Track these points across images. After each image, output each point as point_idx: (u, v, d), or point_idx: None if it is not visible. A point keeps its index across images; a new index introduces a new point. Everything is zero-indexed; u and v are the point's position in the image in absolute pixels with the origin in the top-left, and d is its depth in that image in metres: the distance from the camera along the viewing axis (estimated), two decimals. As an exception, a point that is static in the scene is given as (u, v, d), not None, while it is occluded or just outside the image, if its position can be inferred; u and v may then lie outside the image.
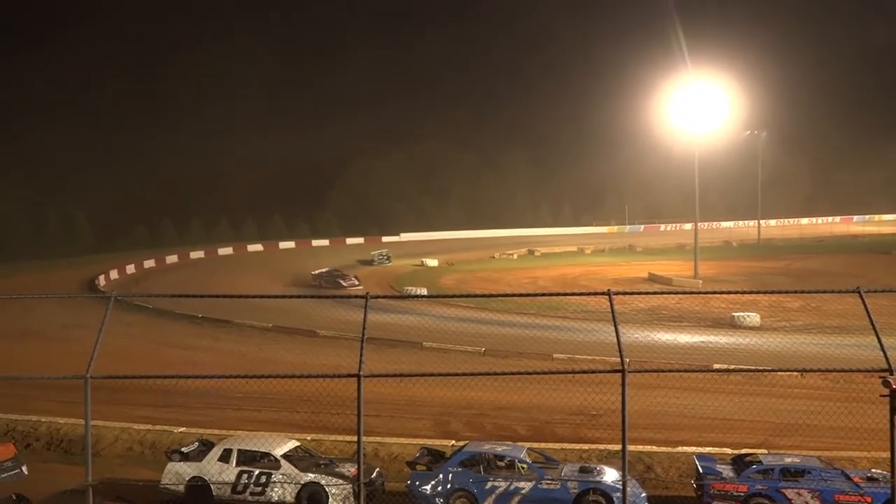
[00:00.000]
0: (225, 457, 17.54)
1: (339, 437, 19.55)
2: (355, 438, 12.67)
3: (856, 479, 16.67)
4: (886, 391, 10.84)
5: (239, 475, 17.23)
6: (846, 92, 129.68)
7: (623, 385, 11.92)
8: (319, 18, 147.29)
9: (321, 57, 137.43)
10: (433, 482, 16.83)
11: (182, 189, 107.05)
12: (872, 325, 11.25)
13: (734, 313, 45.64)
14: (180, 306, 45.84)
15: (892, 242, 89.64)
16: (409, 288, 57.70)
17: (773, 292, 48.40)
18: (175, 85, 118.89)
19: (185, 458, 17.73)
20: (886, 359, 10.89)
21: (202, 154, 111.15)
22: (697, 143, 65.68)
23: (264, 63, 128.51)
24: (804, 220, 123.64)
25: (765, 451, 18.28)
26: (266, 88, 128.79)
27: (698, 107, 65.66)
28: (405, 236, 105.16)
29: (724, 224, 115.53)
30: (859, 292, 11.84)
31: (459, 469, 16.99)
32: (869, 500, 16.15)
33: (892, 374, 10.75)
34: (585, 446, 19.39)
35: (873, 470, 16.79)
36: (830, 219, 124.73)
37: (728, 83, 70.46)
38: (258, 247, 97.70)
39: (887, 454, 12.24)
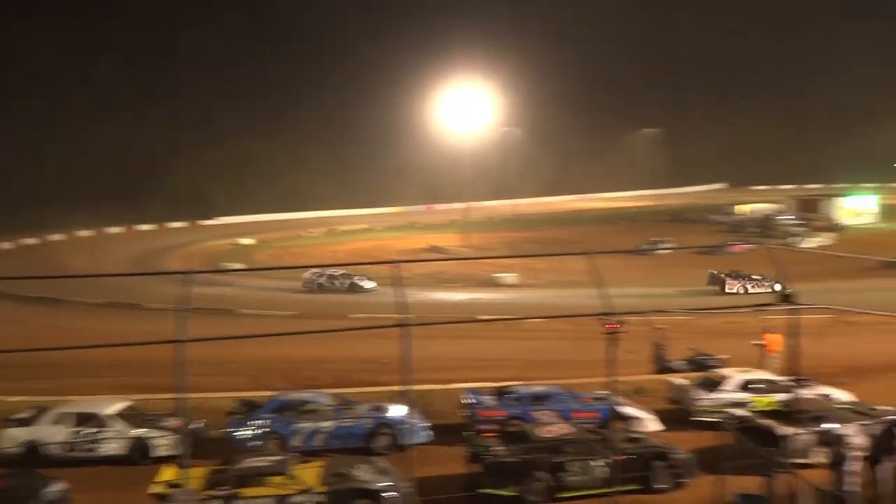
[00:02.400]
0: (58, 420, 16.77)
1: (166, 396, 18.84)
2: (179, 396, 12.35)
3: (586, 400, 18.01)
4: (606, 329, 11.68)
5: (71, 435, 16.52)
6: (584, 90, 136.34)
7: (405, 337, 12.23)
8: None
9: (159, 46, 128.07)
10: (249, 428, 16.70)
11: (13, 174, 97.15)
12: (596, 279, 12.04)
13: (495, 274, 47.44)
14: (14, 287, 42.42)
15: (615, 215, 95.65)
16: (227, 264, 55.94)
17: (525, 256, 50.55)
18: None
19: (22, 423, 16.75)
20: (606, 304, 11.70)
21: (35, 140, 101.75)
22: (466, 135, 67.52)
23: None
24: (549, 199, 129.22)
25: (519, 383, 19.18)
26: (88, 76, 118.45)
27: (466, 105, 67.87)
28: (224, 219, 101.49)
29: (490, 203, 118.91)
30: (585, 254, 12.65)
31: (271, 415, 16.91)
32: (598, 414, 17.49)
33: (610, 316, 11.59)
34: (379, 389, 19.64)
35: (598, 392, 18.13)
36: (569, 197, 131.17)
37: (490, 85, 72.79)
38: (89, 233, 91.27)
39: (611, 379, 13.26)
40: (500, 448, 14.50)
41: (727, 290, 40.92)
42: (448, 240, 70.36)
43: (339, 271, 45.81)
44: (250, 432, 16.65)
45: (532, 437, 14.69)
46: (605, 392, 17.17)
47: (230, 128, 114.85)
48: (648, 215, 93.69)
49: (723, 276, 42.38)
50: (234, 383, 22.21)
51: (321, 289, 44.65)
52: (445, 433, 17.25)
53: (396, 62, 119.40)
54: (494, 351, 26.92)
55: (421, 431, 16.76)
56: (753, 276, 41.56)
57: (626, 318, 12.63)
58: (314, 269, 46.22)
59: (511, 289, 46.28)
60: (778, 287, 37.66)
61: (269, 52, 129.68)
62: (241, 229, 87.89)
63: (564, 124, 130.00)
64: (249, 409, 17.27)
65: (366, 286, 44.86)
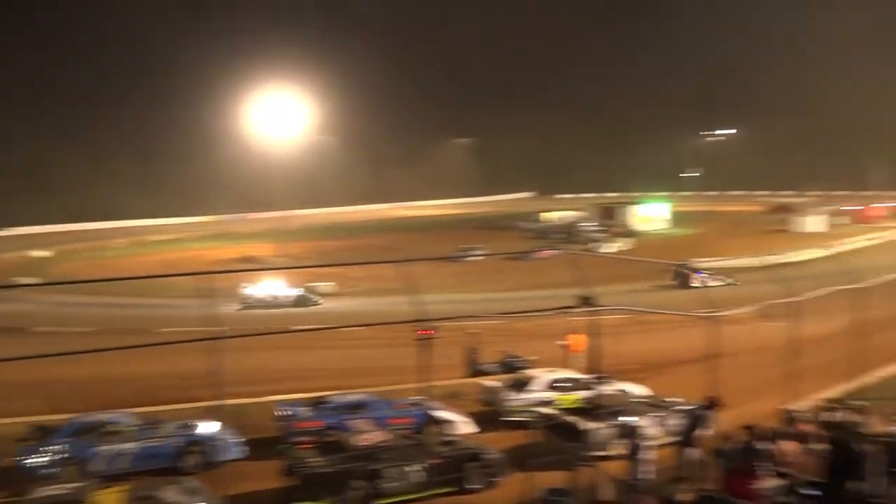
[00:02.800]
0: None
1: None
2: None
3: (401, 406, 18.18)
4: (419, 336, 11.82)
5: None
6: (399, 100, 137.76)
7: (218, 351, 11.81)
8: None
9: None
10: (42, 455, 15.44)
11: None
12: (410, 287, 12.17)
13: (311, 284, 46.87)
14: None
15: (429, 223, 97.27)
16: (19, 278, 51.44)
17: (341, 265, 50.22)
18: None
19: None
20: (419, 311, 11.84)
21: None
22: (281, 142, 66.32)
23: None
24: (368, 207, 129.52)
25: (336, 393, 19.03)
26: None
27: (281, 112, 66.72)
28: (10, 231, 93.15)
29: (307, 211, 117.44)
30: (395, 262, 12.75)
31: (69, 439, 15.74)
32: (413, 420, 17.69)
33: (422, 322, 11.74)
34: (188, 405, 18.80)
35: (414, 398, 18.33)
36: (384, 205, 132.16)
37: (306, 92, 71.97)
38: None
39: (425, 384, 13.45)
40: (317, 459, 14.32)
41: (691, 284, 42.81)
42: (263, 249, 68.75)
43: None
44: (44, 459, 15.39)
45: (348, 447, 14.62)
46: (419, 397, 17.39)
47: (18, 133, 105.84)
48: (461, 223, 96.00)
49: (686, 271, 44.38)
50: (27, 407, 20.47)
51: (264, 305, 42.37)
52: (260, 448, 16.80)
53: (207, 66, 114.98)
54: (311, 361, 26.55)
55: (233, 447, 16.23)
56: (710, 272, 44.27)
57: (439, 323, 12.86)
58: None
59: (329, 297, 45.92)
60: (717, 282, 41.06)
61: (67, 54, 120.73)
62: (33, 241, 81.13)
63: (380, 133, 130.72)
64: (43, 435, 15.97)
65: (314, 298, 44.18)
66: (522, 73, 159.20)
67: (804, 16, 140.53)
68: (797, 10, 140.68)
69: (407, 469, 14.29)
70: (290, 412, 17.71)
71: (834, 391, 18.82)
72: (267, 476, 14.78)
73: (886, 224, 76.05)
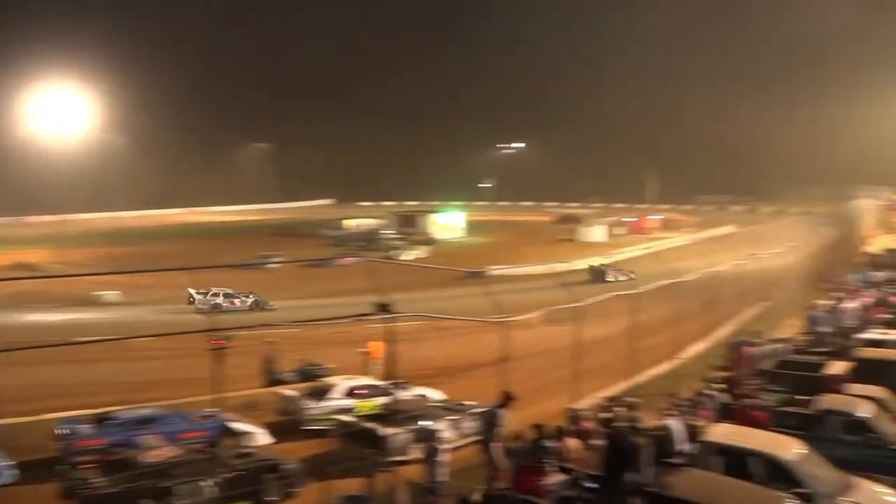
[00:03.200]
0: None
1: None
2: None
3: (195, 419, 17.49)
4: (213, 346, 11.46)
5: None
6: (194, 102, 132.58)
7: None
8: None
9: None
10: None
11: None
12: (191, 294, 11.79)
13: (97, 292, 44.02)
14: None
15: (225, 229, 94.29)
16: None
17: (128, 272, 47.38)
18: None
19: None
20: (211, 320, 11.48)
21: None
22: (60, 141, 61.69)
23: None
24: (155, 212, 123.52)
25: (123, 408, 18.00)
26: None
27: (60, 109, 61.99)
28: None
29: (91, 215, 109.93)
30: (187, 269, 12.32)
31: None
32: (207, 433, 17.07)
33: (215, 332, 11.39)
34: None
35: (208, 409, 17.71)
36: (177, 210, 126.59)
37: (88, 89, 67.43)
38: None
39: (220, 395, 13.04)
40: (100, 479, 13.46)
41: (607, 279, 45.55)
42: (39, 255, 63.54)
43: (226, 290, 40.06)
44: None
45: (136, 464, 13.88)
46: (214, 410, 16.84)
47: None
48: (259, 229, 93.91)
49: (602, 268, 48.65)
50: None
51: (218, 310, 37.27)
52: (35, 470, 15.53)
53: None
54: (96, 375, 24.85)
55: (3, 471, 14.88)
56: (622, 270, 48.19)
57: (236, 332, 12.54)
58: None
59: (115, 307, 43.21)
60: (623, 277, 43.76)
61: None
62: None
63: (173, 135, 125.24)
64: None
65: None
66: (323, 80, 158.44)
67: (593, 36, 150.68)
68: (586, 30, 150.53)
69: (200, 484, 13.78)
70: (69, 430, 16.51)
71: (612, 390, 20.30)
72: (42, 500, 13.70)
73: (658, 235, 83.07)
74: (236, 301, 40.87)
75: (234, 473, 14.11)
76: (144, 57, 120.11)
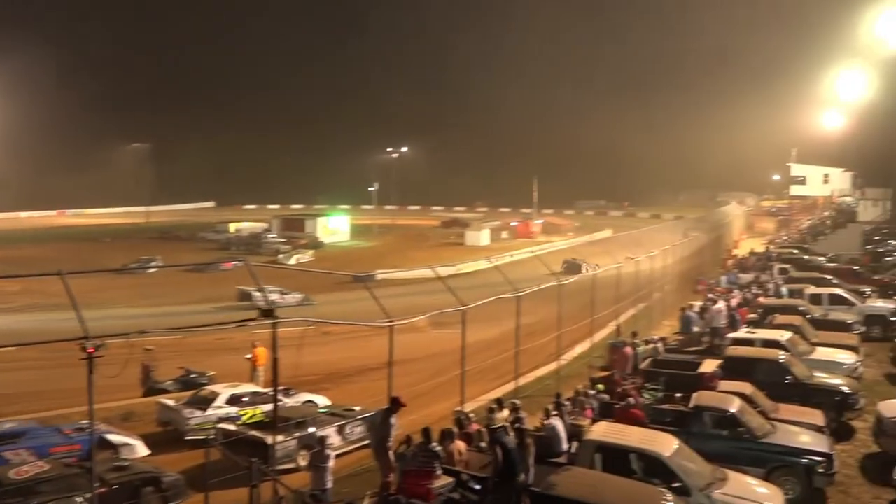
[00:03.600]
0: None
1: None
2: None
3: (67, 432, 16.62)
4: (85, 354, 10.94)
5: None
6: (67, 100, 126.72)
7: None
8: None
9: None
10: None
11: None
12: (72, 301, 11.24)
13: (-43, 299, 41.27)
14: None
15: (101, 232, 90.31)
16: None
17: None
18: None
19: None
20: (84, 327, 11.01)
21: None
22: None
23: None
24: (24, 214, 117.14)
25: (-14, 422, 16.92)
26: None
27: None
28: None
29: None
30: (61, 274, 11.72)
31: None
32: (78, 447, 16.23)
33: (88, 340, 10.89)
34: None
35: (82, 421, 16.88)
36: (48, 212, 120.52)
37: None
38: None
39: (95, 406, 12.41)
40: (-42, 500, 12.60)
41: (583, 271, 42.65)
42: None
43: None
44: None
45: (1, 481, 13.06)
46: (87, 422, 16.06)
47: None
48: (137, 233, 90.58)
49: (578, 262, 46.13)
50: None
51: (276, 305, 33.98)
52: None
53: None
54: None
55: None
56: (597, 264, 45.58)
57: (112, 340, 11.98)
58: None
59: (-24, 315, 40.60)
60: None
61: None
62: None
63: (44, 133, 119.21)
64: None
65: None
66: (204, 80, 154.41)
67: (483, 44, 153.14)
68: (474, 37, 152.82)
69: (76, 500, 13.09)
70: (-77, 449, 15.38)
71: (498, 392, 20.60)
72: None
73: (540, 239, 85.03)
74: (287, 297, 40.11)
75: (110, 488, 13.48)
76: (8, 49, 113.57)
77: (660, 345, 24.46)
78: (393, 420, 13.47)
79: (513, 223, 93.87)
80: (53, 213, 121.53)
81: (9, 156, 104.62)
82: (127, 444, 16.79)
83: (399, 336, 15.83)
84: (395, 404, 13.62)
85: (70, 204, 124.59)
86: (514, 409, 15.46)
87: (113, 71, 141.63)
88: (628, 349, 22.55)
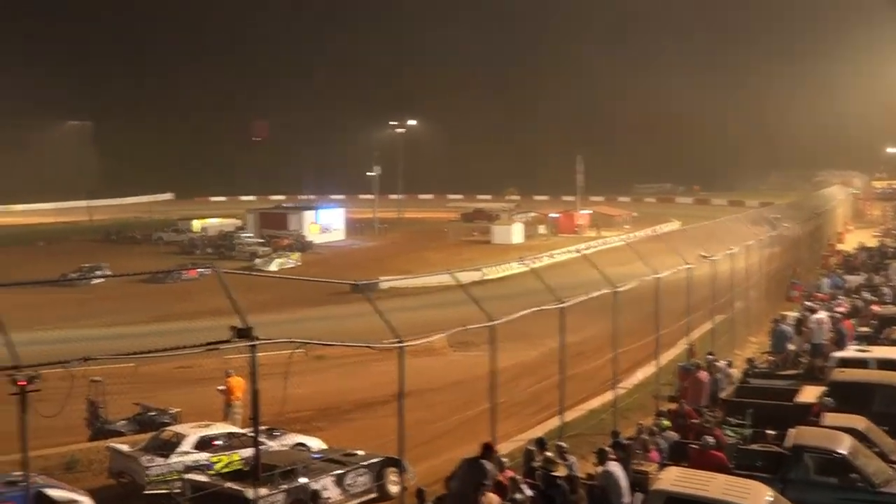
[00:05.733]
0: None
1: None
2: None
3: (-5, 487, 16.71)
4: (16, 389, 10.98)
5: None
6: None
7: None
8: None
9: None
10: None
11: None
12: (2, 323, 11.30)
13: None
14: None
15: (30, 234, 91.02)
16: None
17: None
18: None
19: None
20: (13, 355, 11.04)
21: None
22: None
23: None
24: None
25: None
26: None
27: None
28: None
29: None
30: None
31: None
32: (12, 504, 16.33)
33: (19, 371, 10.91)
34: None
35: (14, 472, 16.97)
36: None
37: None
38: None
39: (29, 453, 12.49)
40: None
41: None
42: None
43: None
44: None
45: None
46: (19, 473, 16.17)
47: None
48: (78, 234, 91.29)
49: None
50: None
51: None
52: None
53: None
54: None
55: None
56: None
57: (47, 370, 12.04)
58: None
59: None
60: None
61: None
62: None
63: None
64: None
65: None
66: (159, 43, 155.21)
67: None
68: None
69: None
70: None
71: (539, 430, 20.52)
72: None
73: (588, 234, 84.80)
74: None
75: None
76: None
77: (745, 368, 24.31)
78: (488, 467, 13.49)
79: (552, 214, 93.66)
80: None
81: None
82: (72, 501, 16.86)
83: (411, 360, 15.80)
84: (488, 451, 13.68)
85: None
86: (560, 452, 15.41)
87: (39, 33, 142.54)
88: (704, 374, 22.41)
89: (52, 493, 16.79)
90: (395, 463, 17.26)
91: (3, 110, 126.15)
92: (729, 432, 18.32)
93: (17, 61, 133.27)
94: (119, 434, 21.90)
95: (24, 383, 10.91)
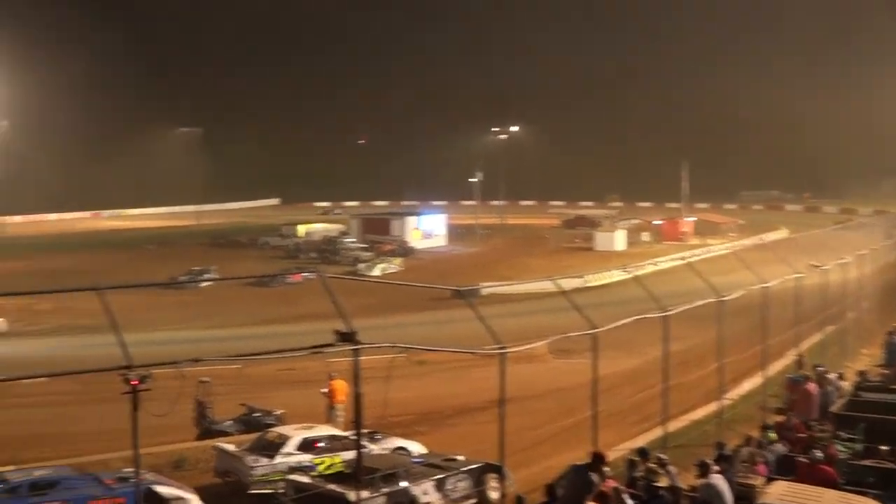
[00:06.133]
0: None
1: None
2: None
3: (108, 482, 17.25)
4: (128, 388, 11.30)
5: None
6: (94, 87, 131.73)
7: None
8: None
9: None
10: None
11: None
12: (112, 322, 11.64)
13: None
14: None
15: (142, 237, 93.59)
16: None
17: (16, 294, 46.92)
18: None
19: None
20: (126, 355, 11.35)
21: None
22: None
23: None
24: (52, 216, 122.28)
25: (11, 468, 17.76)
26: None
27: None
28: None
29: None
30: (98, 289, 12.15)
31: None
32: (123, 500, 16.84)
33: (131, 370, 11.23)
34: None
35: (125, 469, 17.49)
36: (80, 214, 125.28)
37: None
38: None
39: (141, 450, 12.86)
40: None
41: None
42: None
43: None
44: None
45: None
46: (131, 470, 16.64)
47: None
48: (187, 238, 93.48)
49: None
50: None
51: None
52: None
53: None
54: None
55: None
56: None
57: (158, 370, 12.38)
58: None
59: (1, 338, 42.95)
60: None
61: None
62: None
63: (72, 118, 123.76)
64: None
65: None
66: (267, 50, 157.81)
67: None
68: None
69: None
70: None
71: (641, 440, 20.27)
72: None
73: (693, 241, 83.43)
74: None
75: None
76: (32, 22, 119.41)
77: (857, 380, 23.58)
78: (595, 478, 13.43)
79: (656, 221, 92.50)
80: (87, 214, 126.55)
81: (33, 148, 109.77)
82: (179, 498, 17.29)
83: (512, 367, 15.79)
84: (598, 460, 13.60)
85: (106, 203, 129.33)
86: (661, 463, 15.19)
87: (153, 44, 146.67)
88: (813, 386, 21.83)
89: (161, 489, 17.25)
90: (495, 469, 17.24)
91: (117, 119, 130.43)
92: (839, 447, 17.80)
93: (130, 72, 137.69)
94: (225, 434, 22.34)
95: (136, 382, 11.22)
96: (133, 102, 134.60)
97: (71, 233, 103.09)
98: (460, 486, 17.96)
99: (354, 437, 16.24)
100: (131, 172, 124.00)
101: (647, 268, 61.39)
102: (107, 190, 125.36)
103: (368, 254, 72.82)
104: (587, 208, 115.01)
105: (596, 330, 17.71)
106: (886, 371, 26.82)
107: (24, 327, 44.80)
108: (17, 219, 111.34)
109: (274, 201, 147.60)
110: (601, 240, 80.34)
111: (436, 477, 17.70)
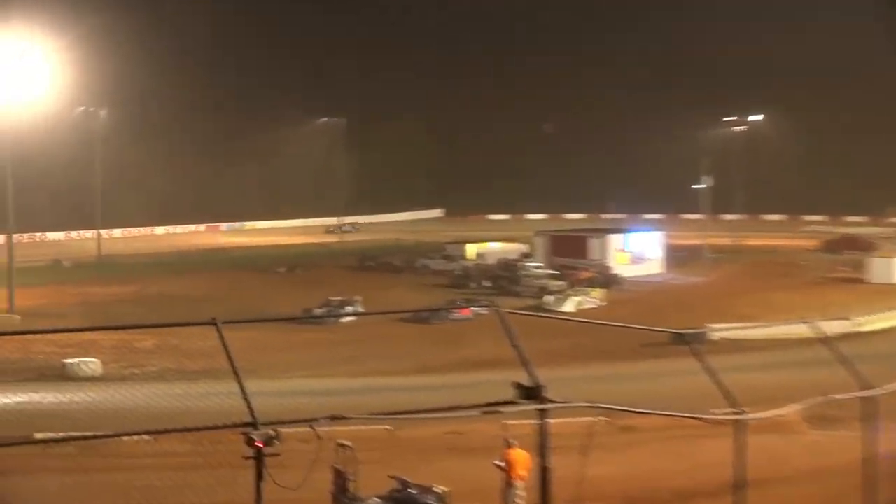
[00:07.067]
0: None
1: None
2: None
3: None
4: (251, 452, 11.43)
5: None
6: (215, 77, 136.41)
7: None
8: None
9: None
10: None
11: None
12: (231, 365, 11.85)
13: (66, 360, 45.53)
14: None
15: (271, 256, 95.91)
16: None
17: (115, 328, 48.62)
18: None
19: None
20: (250, 409, 11.47)
21: None
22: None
23: None
24: (160, 230, 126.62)
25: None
26: None
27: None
28: None
29: (53, 235, 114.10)
30: (215, 324, 12.40)
31: None
32: None
33: (256, 429, 11.34)
34: None
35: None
36: (193, 227, 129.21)
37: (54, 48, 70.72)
38: None
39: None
40: None
41: None
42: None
43: None
44: None
45: None
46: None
47: None
48: (325, 258, 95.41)
49: None
50: None
51: None
52: None
53: None
54: (62, 495, 25.73)
55: None
56: None
57: (287, 429, 12.59)
58: None
59: (94, 383, 44.70)
60: None
61: None
62: None
63: (188, 106, 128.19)
64: None
65: None
66: (428, 35, 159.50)
67: None
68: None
69: None
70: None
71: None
72: None
73: None
74: None
75: None
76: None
77: None
78: None
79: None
80: (201, 227, 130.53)
81: (136, 140, 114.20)
82: None
83: (753, 438, 15.39)
84: None
85: (225, 214, 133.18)
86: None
87: (289, 23, 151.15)
88: None
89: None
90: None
91: (244, 110, 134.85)
92: None
93: (263, 55, 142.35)
94: (370, 514, 22.55)
95: (262, 445, 11.32)
96: (261, 91, 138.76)
97: (181, 250, 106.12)
98: None
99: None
100: (264, 173, 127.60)
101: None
102: (227, 198, 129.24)
103: (559, 283, 72.29)
104: (857, 224, 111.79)
105: (872, 391, 17.11)
106: None
107: (122, 369, 46.45)
108: (117, 232, 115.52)
109: (437, 212, 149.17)
110: (878, 268, 77.73)
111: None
